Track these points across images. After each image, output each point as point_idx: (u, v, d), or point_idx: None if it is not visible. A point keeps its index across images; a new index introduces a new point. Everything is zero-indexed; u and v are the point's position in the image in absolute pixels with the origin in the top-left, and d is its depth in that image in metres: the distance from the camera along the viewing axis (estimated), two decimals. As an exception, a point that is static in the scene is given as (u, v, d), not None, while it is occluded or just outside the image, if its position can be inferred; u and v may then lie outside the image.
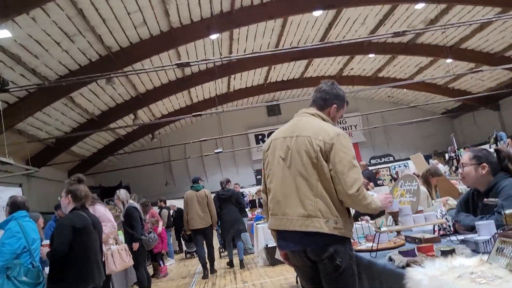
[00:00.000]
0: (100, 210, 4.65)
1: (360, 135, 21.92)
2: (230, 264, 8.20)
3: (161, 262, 8.23)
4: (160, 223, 8.42)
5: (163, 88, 14.07)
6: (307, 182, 2.31)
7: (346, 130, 21.78)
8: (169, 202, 13.31)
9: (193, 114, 10.70)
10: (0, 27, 6.97)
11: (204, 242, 7.85)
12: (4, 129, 8.66)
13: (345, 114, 19.70)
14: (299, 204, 2.30)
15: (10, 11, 6.60)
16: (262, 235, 6.59)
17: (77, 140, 13.83)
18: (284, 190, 2.37)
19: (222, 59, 7.89)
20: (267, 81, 17.86)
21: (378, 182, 13.78)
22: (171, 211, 11.08)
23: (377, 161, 21.44)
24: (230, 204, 8.13)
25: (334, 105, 2.57)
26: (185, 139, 16.49)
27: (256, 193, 14.18)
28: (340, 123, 21.86)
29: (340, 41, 8.85)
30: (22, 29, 7.74)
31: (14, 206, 3.87)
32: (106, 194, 15.01)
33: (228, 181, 8.73)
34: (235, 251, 8.35)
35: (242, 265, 7.93)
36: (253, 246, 8.51)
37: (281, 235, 2.40)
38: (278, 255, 6.56)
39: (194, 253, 10.24)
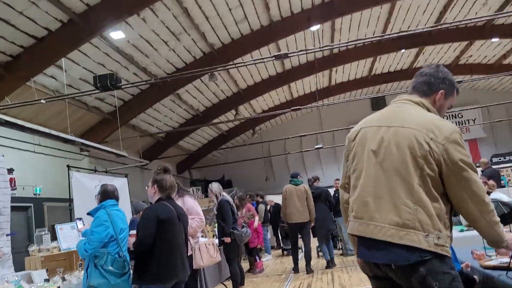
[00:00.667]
0: (189, 202, 4.51)
1: (480, 130, 19.76)
2: (329, 264, 7.96)
3: (257, 257, 8.17)
4: (256, 218, 8.38)
5: (264, 83, 14.18)
6: (405, 184, 1.89)
7: (462, 124, 19.80)
8: (269, 197, 13.37)
9: (292, 108, 10.56)
10: (114, 28, 7.55)
11: (301, 238, 7.81)
12: (119, 124, 9.45)
13: (462, 107, 17.96)
14: (393, 209, 1.89)
15: (122, 12, 7.11)
16: None
17: (184, 135, 14.64)
18: (376, 190, 1.96)
19: (323, 49, 7.57)
20: (372, 73, 17.00)
21: (501, 182, 12.22)
22: (269, 206, 11.03)
23: (500, 159, 19.10)
24: (319, 202, 8.04)
25: (442, 91, 2.08)
26: (285, 134, 16.44)
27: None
28: (456, 117, 19.96)
29: (457, 24, 7.89)
30: (134, 30, 8.32)
31: (104, 194, 3.82)
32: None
33: (317, 178, 8.78)
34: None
35: (331, 264, 7.91)
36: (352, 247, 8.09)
37: (364, 243, 2.00)
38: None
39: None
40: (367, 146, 2.05)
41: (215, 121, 14.96)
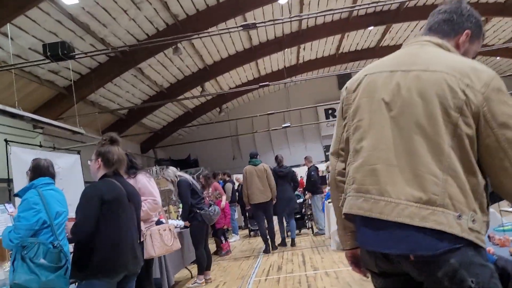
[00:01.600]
0: (142, 181, 3.76)
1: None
2: (282, 243, 8.10)
3: (223, 239, 7.83)
4: (224, 197, 7.97)
5: (231, 59, 13.68)
6: (432, 145, 1.39)
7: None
8: (236, 176, 13.06)
9: (260, 84, 10.19)
10: (66, -8, 6.85)
11: (265, 217, 7.85)
12: (75, 99, 8.78)
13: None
14: (413, 180, 1.40)
15: (74, -26, 6.42)
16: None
17: (148, 112, 13.99)
18: (389, 154, 1.45)
19: (292, 19, 7.19)
20: (339, 51, 16.80)
21: None
22: (236, 185, 10.64)
23: None
24: (286, 182, 8.09)
25: (467, 31, 1.60)
26: (253, 113, 16.09)
27: (326, 169, 13.43)
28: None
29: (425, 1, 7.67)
30: (89, -4, 7.63)
31: (36, 171, 3.13)
32: (176, 167, 15.16)
33: (282, 158, 8.81)
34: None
35: (293, 243, 8.01)
36: (324, 227, 7.90)
37: (369, 226, 1.46)
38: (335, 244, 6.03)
39: (258, 231, 9.82)
40: (376, 97, 1.53)
41: (180, 98, 14.41)
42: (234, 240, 9.73)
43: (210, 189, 7.53)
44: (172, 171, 5.44)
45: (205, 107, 17.38)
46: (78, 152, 8.45)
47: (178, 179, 5.35)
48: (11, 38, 7.03)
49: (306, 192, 9.28)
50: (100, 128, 12.92)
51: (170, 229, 3.91)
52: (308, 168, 8.48)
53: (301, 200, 8.84)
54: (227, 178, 9.96)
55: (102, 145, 2.77)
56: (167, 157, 18.18)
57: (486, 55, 16.69)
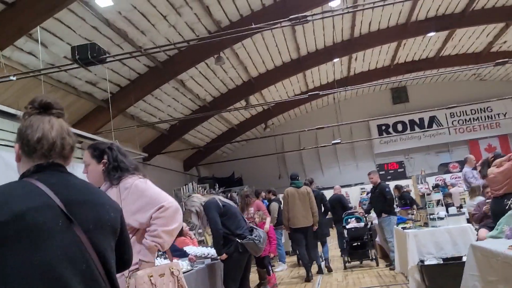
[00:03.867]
0: (139, 187, 2.26)
1: (510, 124, 18.24)
2: (320, 271, 7.59)
3: (270, 269, 6.48)
4: (268, 219, 6.90)
5: (277, 71, 12.91)
6: None
7: (492, 119, 18.27)
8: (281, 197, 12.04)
9: (309, 94, 9.30)
10: (99, -8, 6.38)
11: (305, 242, 7.34)
12: (111, 112, 8.31)
13: (490, 101, 16.41)
14: None
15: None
16: (415, 245, 4.40)
17: (190, 127, 13.46)
18: None
19: (346, 10, 6.28)
20: (394, 62, 15.59)
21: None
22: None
23: (535, 156, 17.52)
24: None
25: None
26: (300, 129, 15.15)
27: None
28: (485, 111, 18.42)
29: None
30: (126, -1, 7.15)
31: None
32: (219, 185, 14.47)
33: (312, 181, 8.58)
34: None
35: (329, 268, 7.68)
36: (392, 257, 6.49)
37: None
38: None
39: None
40: None
41: (223, 110, 13.81)
42: (281, 270, 8.49)
43: (252, 209, 6.57)
44: (197, 199, 4.32)
45: (250, 123, 16.67)
46: None
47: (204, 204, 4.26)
48: (43, 44, 6.63)
49: (371, 212, 8.09)
50: (139, 144, 12.53)
51: (172, 273, 2.26)
52: (378, 184, 7.01)
53: (362, 224, 7.60)
54: (273, 197, 8.87)
55: (23, 117, 1.37)
56: (210, 175, 17.56)
57: None
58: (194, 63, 9.74)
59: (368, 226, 7.66)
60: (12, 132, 6.35)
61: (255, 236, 4.16)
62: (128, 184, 2.28)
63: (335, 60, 13.31)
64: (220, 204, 4.21)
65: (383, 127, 18.81)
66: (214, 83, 12.08)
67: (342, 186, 12.89)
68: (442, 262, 3.84)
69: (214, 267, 4.32)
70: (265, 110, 16.34)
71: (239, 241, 4.10)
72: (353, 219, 7.75)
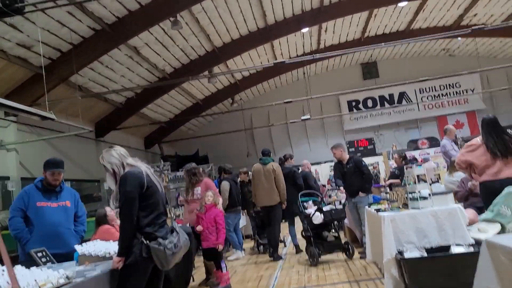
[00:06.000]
0: None
1: (479, 100, 17.94)
2: (297, 249, 7.13)
3: (222, 265, 5.12)
4: (220, 200, 5.65)
5: (242, 40, 11.83)
6: None
7: (460, 94, 17.89)
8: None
9: (274, 62, 8.34)
10: None
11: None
12: (45, 80, 7.09)
13: (460, 74, 15.89)
14: None
15: None
16: (391, 232, 3.42)
17: (149, 101, 12.29)
18: None
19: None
20: (365, 35, 14.77)
21: None
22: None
23: (502, 132, 17.28)
24: (287, 184, 7.01)
25: None
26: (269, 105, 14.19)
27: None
28: (453, 87, 18.02)
29: None
30: None
31: None
32: (182, 164, 13.45)
33: (288, 157, 7.88)
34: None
35: (298, 250, 7.12)
36: (364, 243, 5.44)
37: None
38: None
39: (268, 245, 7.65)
40: None
41: (185, 85, 12.71)
42: (235, 258, 7.49)
43: (199, 188, 5.50)
44: (119, 155, 2.97)
45: (216, 98, 15.60)
46: None
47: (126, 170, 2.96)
48: None
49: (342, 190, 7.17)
50: (90, 118, 11.34)
51: None
52: (350, 158, 5.97)
53: (339, 205, 6.58)
54: (225, 175, 7.71)
55: None
56: (174, 153, 16.48)
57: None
58: (147, 25, 8.57)
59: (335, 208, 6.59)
60: None
61: (170, 243, 2.88)
62: None
63: (304, 30, 12.34)
64: (146, 180, 2.91)
65: (353, 103, 18.15)
66: (173, 51, 10.91)
67: (312, 164, 12.13)
68: (426, 254, 3.02)
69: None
70: (232, 84, 15.30)
71: (145, 242, 2.83)
72: (310, 201, 6.56)
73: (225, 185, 7.36)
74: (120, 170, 2.94)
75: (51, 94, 8.17)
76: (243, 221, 8.81)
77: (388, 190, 6.43)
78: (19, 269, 2.63)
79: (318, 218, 6.02)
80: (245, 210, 8.35)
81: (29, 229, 3.80)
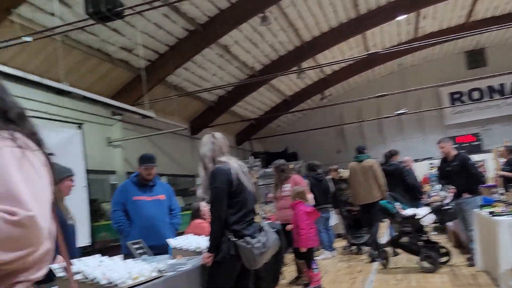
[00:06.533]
0: (3, 161, 1.19)
1: None
2: (394, 251, 6.49)
3: (313, 265, 4.97)
4: (310, 196, 5.40)
5: (332, 33, 11.43)
6: None
7: None
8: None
9: (367, 53, 7.86)
10: None
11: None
12: (144, 80, 7.51)
13: None
14: None
15: None
16: (509, 240, 2.97)
17: (239, 98, 12.51)
18: None
19: None
20: (470, 19, 13.37)
21: None
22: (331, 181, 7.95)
23: None
24: (394, 182, 6.79)
25: None
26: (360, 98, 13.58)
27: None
28: None
29: None
30: None
31: None
32: (271, 161, 13.51)
33: (395, 153, 7.55)
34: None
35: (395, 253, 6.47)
36: (472, 249, 4.87)
37: None
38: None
39: (363, 247, 7.36)
40: None
41: (273, 80, 12.70)
42: (323, 258, 7.25)
43: (288, 185, 5.35)
44: (213, 146, 2.96)
45: (305, 94, 15.38)
46: (79, 126, 6.55)
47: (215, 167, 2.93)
48: (64, 3, 5.88)
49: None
50: (186, 117, 11.86)
51: None
52: (456, 156, 5.33)
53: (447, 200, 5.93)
54: (311, 173, 7.44)
55: None
56: (264, 150, 16.63)
57: None
58: (237, 23, 8.67)
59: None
60: (22, 98, 5.71)
61: (258, 242, 2.78)
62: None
63: (400, 18, 11.53)
64: (235, 178, 2.88)
65: (456, 95, 16.62)
66: (262, 48, 10.94)
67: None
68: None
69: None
70: (322, 79, 14.95)
71: (232, 239, 2.79)
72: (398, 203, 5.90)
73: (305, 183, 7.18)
74: (209, 165, 2.93)
75: (150, 94, 8.69)
76: (334, 220, 8.50)
77: (501, 190, 5.67)
78: (115, 260, 2.73)
79: (428, 219, 5.52)
80: (337, 209, 8.07)
81: (128, 223, 4.00)
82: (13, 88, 5.19)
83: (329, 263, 6.99)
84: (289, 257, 6.70)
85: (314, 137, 16.46)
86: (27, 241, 1.13)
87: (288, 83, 14.09)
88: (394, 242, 5.94)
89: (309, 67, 11.61)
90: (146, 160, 4.03)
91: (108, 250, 5.50)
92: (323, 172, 8.09)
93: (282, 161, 5.90)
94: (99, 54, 7.70)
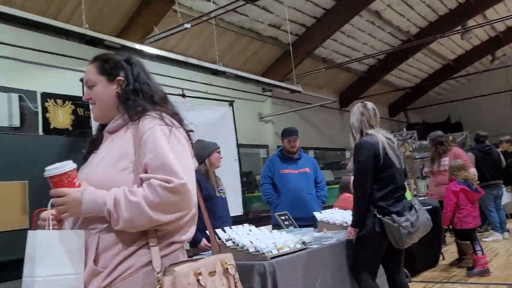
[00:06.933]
0: (156, 137, 1.37)
1: None
2: None
3: (477, 247, 4.45)
4: (472, 170, 4.69)
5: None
6: None
7: None
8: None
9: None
10: None
11: None
12: (292, 55, 7.56)
13: None
14: None
15: None
16: None
17: (392, 66, 11.69)
18: None
19: None
20: None
21: None
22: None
23: None
24: None
25: None
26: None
27: None
28: None
29: None
30: None
31: None
32: (430, 132, 12.39)
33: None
34: None
35: None
36: None
37: None
38: None
39: None
40: None
41: (433, 46, 11.44)
42: (492, 240, 6.47)
43: (446, 159, 4.72)
44: (362, 118, 2.85)
45: (471, 56, 13.47)
46: (230, 104, 6.56)
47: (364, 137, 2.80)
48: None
49: None
50: (335, 89, 11.64)
51: (227, 271, 1.39)
52: None
53: None
54: (474, 145, 6.47)
55: None
56: (421, 120, 15.32)
57: None
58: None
59: None
60: (179, 78, 6.31)
61: (406, 220, 2.56)
62: (146, 128, 1.38)
63: None
64: (381, 152, 2.70)
65: None
66: (419, 9, 9.91)
67: None
68: None
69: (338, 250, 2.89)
70: (492, 38, 12.86)
71: (378, 216, 2.63)
72: None
73: (470, 157, 6.26)
74: (356, 135, 2.80)
75: (298, 68, 8.76)
76: (507, 198, 7.38)
77: None
78: (263, 231, 2.84)
79: None
80: (510, 186, 6.96)
81: (277, 195, 4.14)
82: (175, 71, 5.78)
83: (499, 246, 6.14)
84: (450, 236, 6.14)
85: (481, 105, 14.42)
86: (181, 205, 1.30)
87: (451, 46, 12.53)
88: None
89: (477, 25, 10.05)
90: (288, 133, 4.11)
91: (260, 220, 5.85)
92: (491, 144, 7.02)
93: (439, 132, 5.33)
94: (249, 33, 8.03)
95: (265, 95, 9.19)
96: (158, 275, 1.29)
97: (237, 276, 1.45)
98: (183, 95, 5.53)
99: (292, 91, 7.36)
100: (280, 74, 8.92)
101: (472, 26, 10.18)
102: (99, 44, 4.72)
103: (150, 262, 1.31)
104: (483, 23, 10.17)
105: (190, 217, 1.39)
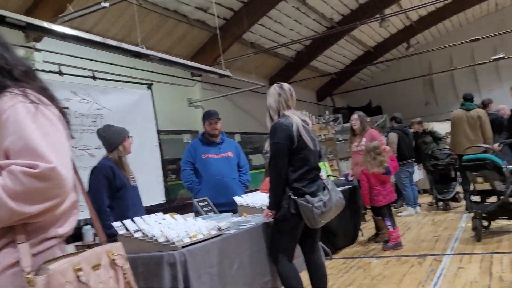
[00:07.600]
0: (18, 116, 1.16)
1: None
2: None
3: (387, 221, 4.62)
4: (389, 150, 4.98)
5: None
6: None
7: None
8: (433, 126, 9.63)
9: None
10: None
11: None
12: (220, 39, 7.31)
13: None
14: None
15: None
16: None
17: (318, 52, 11.85)
18: None
19: None
20: None
21: None
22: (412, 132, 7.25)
23: None
24: (494, 133, 6.25)
25: None
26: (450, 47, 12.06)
27: None
28: None
29: None
30: None
31: None
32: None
33: (489, 102, 7.09)
34: None
35: None
36: None
37: None
38: None
39: (450, 202, 6.69)
40: None
41: (355, 33, 11.75)
42: (407, 215, 6.81)
43: (364, 139, 4.90)
44: (279, 98, 2.74)
45: (389, 44, 14.10)
46: (149, 87, 6.45)
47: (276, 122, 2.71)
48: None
49: None
50: (265, 74, 11.58)
51: (113, 263, 1.19)
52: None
53: None
54: (395, 125, 6.89)
55: None
56: (346, 104, 15.84)
57: None
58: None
59: None
60: (97, 61, 5.85)
61: (319, 201, 2.55)
62: (6, 106, 1.14)
63: None
64: (295, 134, 2.62)
65: None
66: (339, -4, 10.07)
67: None
68: None
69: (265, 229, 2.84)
70: (407, 27, 13.52)
71: (292, 197, 2.59)
72: None
73: (392, 136, 6.59)
74: (274, 117, 2.68)
75: (227, 53, 8.53)
76: (419, 175, 7.83)
77: None
78: (177, 218, 2.64)
79: None
80: (421, 164, 7.40)
81: (199, 180, 3.95)
82: (95, 53, 5.29)
83: (412, 220, 6.50)
84: (369, 213, 6.35)
85: (399, 90, 15.22)
86: (52, 192, 1.11)
87: (370, 33, 12.98)
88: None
89: (393, 13, 10.44)
90: (208, 115, 3.92)
91: (184, 207, 5.63)
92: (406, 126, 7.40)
93: (360, 113, 5.46)
94: (175, 16, 7.64)
95: (194, 80, 8.86)
96: (28, 276, 1.08)
97: (127, 266, 1.26)
98: (94, 77, 5.08)
99: (221, 75, 7.12)
100: (209, 58, 8.64)
101: (388, 14, 10.56)
102: (1, 22, 4.16)
103: (18, 262, 1.11)
104: (398, 11, 10.60)
105: (68, 206, 1.20)
